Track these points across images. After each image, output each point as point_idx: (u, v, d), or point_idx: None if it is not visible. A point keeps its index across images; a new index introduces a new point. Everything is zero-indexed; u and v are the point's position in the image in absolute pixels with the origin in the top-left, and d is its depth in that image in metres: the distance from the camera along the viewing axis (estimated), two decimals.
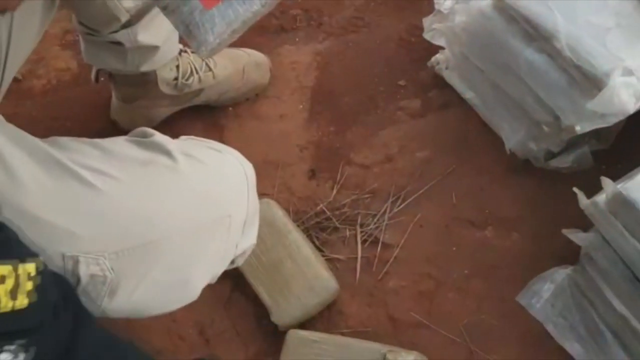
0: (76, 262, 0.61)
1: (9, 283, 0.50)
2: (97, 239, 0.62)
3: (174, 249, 0.68)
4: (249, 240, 0.79)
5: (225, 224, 0.73)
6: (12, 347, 0.50)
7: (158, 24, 0.99)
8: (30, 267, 0.53)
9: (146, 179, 0.67)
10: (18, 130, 0.72)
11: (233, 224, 0.73)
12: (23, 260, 0.52)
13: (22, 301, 0.51)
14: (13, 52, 0.77)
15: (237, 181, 0.75)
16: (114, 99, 1.19)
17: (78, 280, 0.63)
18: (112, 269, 0.63)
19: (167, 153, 0.70)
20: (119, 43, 0.99)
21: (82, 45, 1.06)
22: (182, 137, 0.78)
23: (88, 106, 1.26)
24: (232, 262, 0.80)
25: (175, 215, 0.67)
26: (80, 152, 0.70)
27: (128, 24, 0.96)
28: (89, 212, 0.63)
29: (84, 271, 0.62)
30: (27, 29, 0.79)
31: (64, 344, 0.56)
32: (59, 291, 0.57)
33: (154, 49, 1.03)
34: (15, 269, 0.51)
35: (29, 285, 0.52)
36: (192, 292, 0.72)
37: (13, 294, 0.50)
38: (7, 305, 0.49)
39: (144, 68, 1.05)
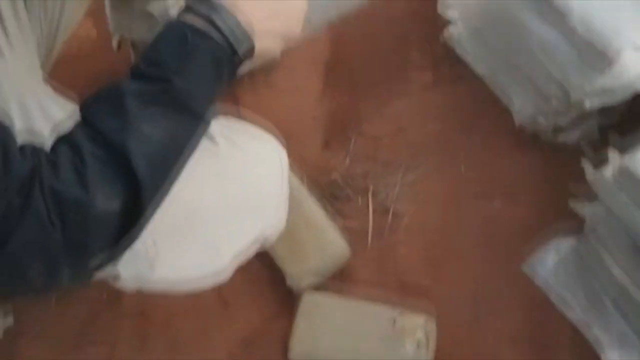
0: None
1: None
2: None
3: (209, 229, 0.71)
4: (280, 223, 0.82)
5: (259, 208, 0.76)
6: None
7: None
8: None
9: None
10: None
11: (266, 208, 0.77)
12: None
13: None
14: (65, 20, 0.80)
15: (272, 169, 0.79)
16: None
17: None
18: (153, 243, 0.66)
19: (210, 136, 0.72)
20: (149, 13, 1.01)
21: (110, 13, 1.08)
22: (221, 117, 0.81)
23: (108, 74, 1.28)
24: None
25: (212, 198, 0.70)
26: None
27: None
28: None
29: None
30: None
31: None
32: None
33: None
34: None
35: None
36: (225, 271, 0.76)
37: None
38: None
39: None
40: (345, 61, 1.31)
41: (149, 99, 0.53)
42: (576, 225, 1.07)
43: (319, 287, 1.09)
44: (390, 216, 1.16)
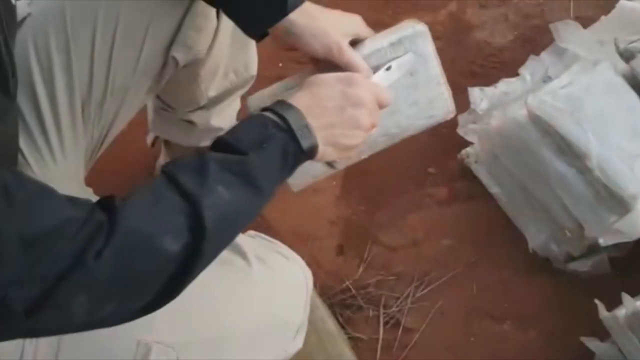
0: (148, 350, 0.66)
1: None
2: (173, 329, 0.67)
3: (235, 348, 0.72)
4: (297, 344, 0.82)
5: (282, 329, 0.78)
6: None
7: (230, 112, 1.06)
8: None
9: (221, 278, 0.72)
10: None
11: (289, 329, 0.79)
12: None
13: None
14: (115, 127, 0.85)
15: (298, 290, 0.81)
16: (161, 162, 1.25)
17: None
18: (177, 358, 0.67)
19: (243, 255, 0.75)
20: (190, 122, 1.05)
21: (152, 116, 1.12)
22: (251, 233, 0.83)
23: (134, 164, 1.32)
24: None
25: (241, 316, 0.72)
26: None
27: (204, 107, 1.02)
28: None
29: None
30: (132, 106, 0.86)
31: None
32: None
33: (219, 130, 1.09)
34: None
35: None
36: None
37: None
38: None
39: (204, 144, 1.12)
40: (364, 170, 1.35)
41: (227, 166, 0.58)
42: (585, 357, 1.07)
43: None
44: (400, 331, 1.16)
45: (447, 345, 1.15)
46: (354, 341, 1.15)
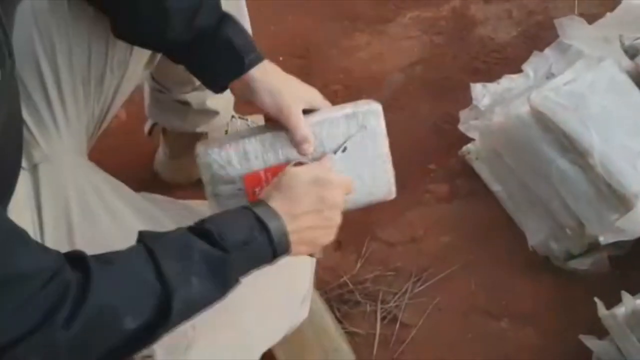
0: None
1: None
2: None
3: (245, 317, 0.74)
4: (302, 314, 0.84)
5: (290, 299, 0.80)
6: None
7: (226, 93, 1.06)
8: None
9: None
10: (120, 184, 0.81)
11: (295, 299, 0.81)
12: None
13: None
14: (115, 103, 0.86)
15: (304, 264, 0.83)
16: (160, 153, 1.24)
17: None
18: (192, 326, 0.68)
19: None
20: (186, 103, 1.05)
21: (148, 100, 1.12)
22: None
23: (132, 155, 1.31)
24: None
25: (252, 285, 0.72)
26: (172, 209, 0.81)
27: (199, 87, 1.02)
28: None
29: None
30: (131, 81, 0.87)
31: None
32: None
33: (215, 113, 1.09)
34: None
35: None
36: (252, 358, 0.78)
37: None
38: None
39: (200, 129, 1.11)
40: None
41: (208, 261, 0.61)
42: (583, 356, 1.07)
43: None
44: (397, 326, 1.15)
45: (445, 342, 1.14)
46: (351, 336, 1.14)
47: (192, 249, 0.60)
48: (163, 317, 0.57)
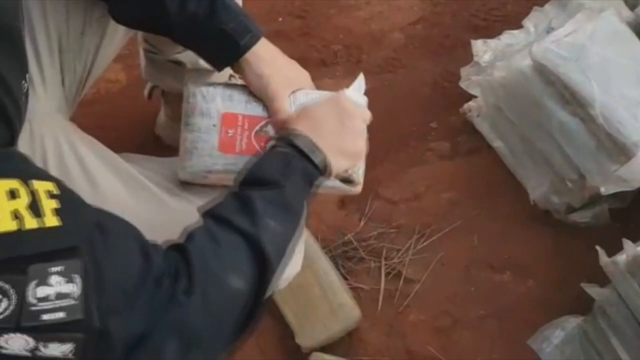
0: None
1: (24, 198, 0.47)
2: None
3: None
4: (295, 266, 0.85)
5: None
6: (59, 269, 0.47)
7: None
8: (48, 185, 0.49)
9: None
10: (98, 144, 0.80)
11: None
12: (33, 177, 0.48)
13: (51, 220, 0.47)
14: (98, 63, 0.85)
15: None
16: (162, 116, 1.24)
17: None
18: None
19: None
20: (179, 63, 1.05)
21: (143, 62, 1.11)
22: None
23: (133, 119, 1.32)
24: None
25: None
26: (152, 169, 0.81)
27: None
28: (161, 225, 0.68)
29: None
30: (113, 40, 0.87)
31: None
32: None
33: (210, 72, 1.09)
34: (26, 184, 0.47)
35: (53, 204, 0.48)
36: None
37: (34, 210, 0.47)
38: (31, 223, 0.46)
39: None
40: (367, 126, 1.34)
41: (268, 200, 0.65)
42: (584, 305, 1.09)
43: (326, 347, 1.10)
44: (401, 281, 1.17)
45: (448, 295, 1.16)
46: (355, 291, 1.16)
47: (251, 199, 0.64)
48: (262, 264, 0.61)
